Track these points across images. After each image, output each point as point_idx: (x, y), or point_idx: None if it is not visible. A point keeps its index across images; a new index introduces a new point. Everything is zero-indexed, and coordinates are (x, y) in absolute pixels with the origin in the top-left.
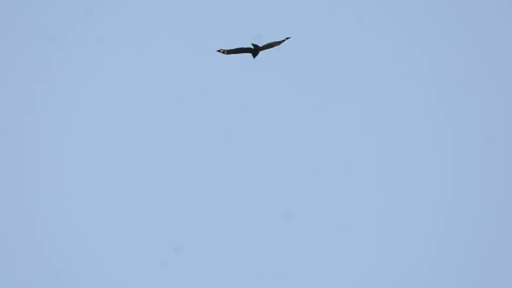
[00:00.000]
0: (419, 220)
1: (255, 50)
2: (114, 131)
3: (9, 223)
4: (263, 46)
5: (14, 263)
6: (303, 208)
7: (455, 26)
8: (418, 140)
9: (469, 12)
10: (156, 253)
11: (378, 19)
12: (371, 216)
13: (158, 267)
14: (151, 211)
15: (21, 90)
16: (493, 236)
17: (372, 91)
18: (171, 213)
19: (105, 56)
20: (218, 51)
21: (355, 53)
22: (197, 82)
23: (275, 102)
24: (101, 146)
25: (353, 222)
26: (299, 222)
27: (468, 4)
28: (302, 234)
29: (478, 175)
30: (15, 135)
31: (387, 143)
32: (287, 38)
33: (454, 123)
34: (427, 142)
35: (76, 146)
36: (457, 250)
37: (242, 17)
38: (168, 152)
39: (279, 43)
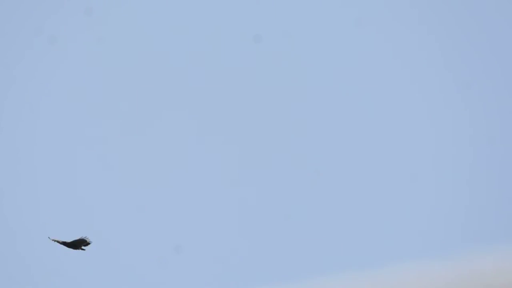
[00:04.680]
0: (419, 220)
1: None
2: (115, 131)
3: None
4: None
5: (13, 262)
6: (303, 208)
7: (456, 26)
8: (418, 140)
9: (470, 12)
10: (156, 253)
11: (378, 19)
12: (370, 216)
13: (158, 267)
14: (151, 211)
15: (21, 90)
16: (493, 236)
17: (372, 91)
18: (171, 213)
19: (104, 56)
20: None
21: (355, 53)
22: (197, 80)
23: (274, 102)
24: (101, 146)
25: (353, 222)
26: (299, 222)
27: (469, 4)
28: (302, 234)
29: (479, 176)
30: (14, 134)
31: (386, 143)
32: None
33: (454, 122)
34: (427, 142)
35: (75, 146)
36: (457, 252)
37: (241, 16)
38: (168, 152)
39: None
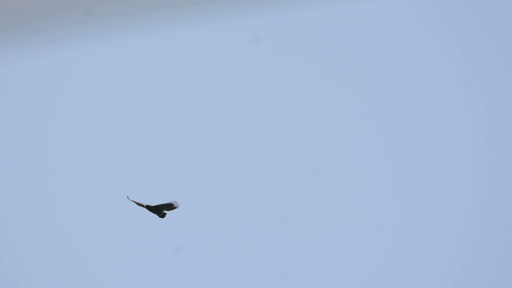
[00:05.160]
0: (419, 221)
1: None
2: (114, 131)
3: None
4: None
5: (13, 263)
6: (303, 208)
7: (456, 25)
8: (418, 140)
9: (470, 11)
10: (156, 253)
11: (379, 19)
12: (371, 217)
13: (158, 267)
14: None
15: (21, 91)
16: (493, 237)
17: (372, 91)
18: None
19: (105, 57)
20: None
21: (354, 53)
22: (197, 81)
23: (274, 101)
24: (101, 146)
25: (353, 223)
26: (300, 222)
27: (469, 3)
28: (303, 235)
29: (478, 177)
30: (14, 137)
31: (387, 143)
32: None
33: (455, 123)
34: (427, 142)
35: (75, 146)
36: (458, 252)
37: (241, 16)
38: (167, 150)
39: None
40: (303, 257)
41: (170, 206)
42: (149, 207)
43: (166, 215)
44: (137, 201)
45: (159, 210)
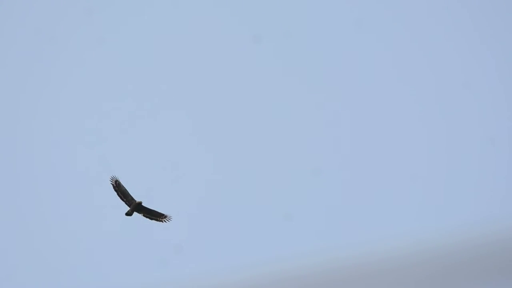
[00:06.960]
0: (418, 220)
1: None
2: (114, 131)
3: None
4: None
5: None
6: (303, 208)
7: (455, 25)
8: (417, 139)
9: (469, 11)
10: (156, 253)
11: (378, 19)
12: (370, 217)
13: (158, 267)
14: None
15: (22, 90)
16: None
17: (373, 92)
18: (169, 212)
19: (105, 57)
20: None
21: (354, 53)
22: (197, 83)
23: (273, 102)
24: (101, 146)
25: (353, 222)
26: (299, 222)
27: (469, 3)
28: (302, 235)
29: (475, 177)
30: (16, 136)
31: (386, 143)
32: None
33: (453, 123)
34: (426, 141)
35: (76, 145)
36: (457, 254)
37: (241, 15)
38: (168, 151)
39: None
40: (303, 257)
41: (160, 217)
42: (139, 206)
43: (133, 215)
44: (128, 193)
45: (144, 212)
